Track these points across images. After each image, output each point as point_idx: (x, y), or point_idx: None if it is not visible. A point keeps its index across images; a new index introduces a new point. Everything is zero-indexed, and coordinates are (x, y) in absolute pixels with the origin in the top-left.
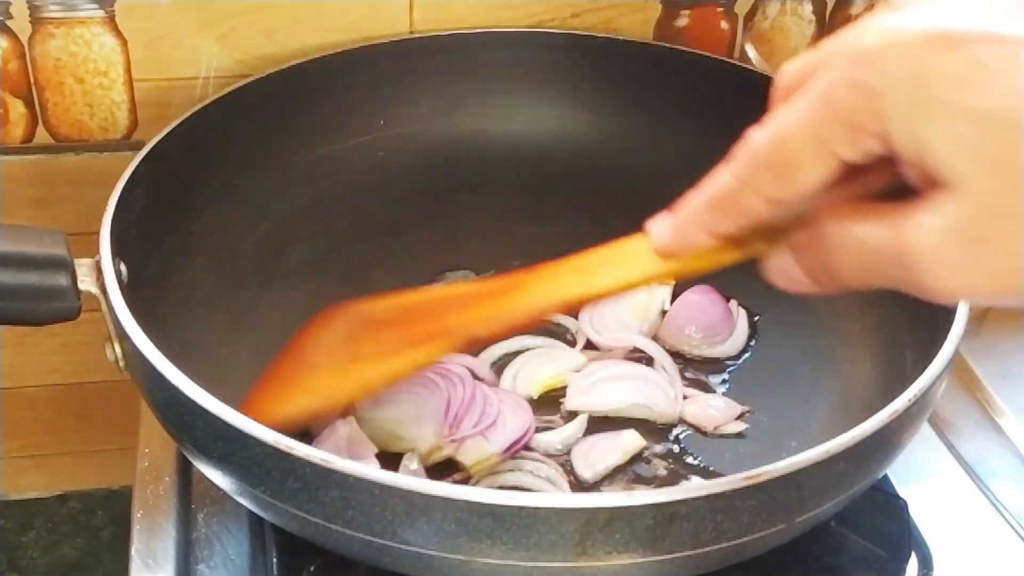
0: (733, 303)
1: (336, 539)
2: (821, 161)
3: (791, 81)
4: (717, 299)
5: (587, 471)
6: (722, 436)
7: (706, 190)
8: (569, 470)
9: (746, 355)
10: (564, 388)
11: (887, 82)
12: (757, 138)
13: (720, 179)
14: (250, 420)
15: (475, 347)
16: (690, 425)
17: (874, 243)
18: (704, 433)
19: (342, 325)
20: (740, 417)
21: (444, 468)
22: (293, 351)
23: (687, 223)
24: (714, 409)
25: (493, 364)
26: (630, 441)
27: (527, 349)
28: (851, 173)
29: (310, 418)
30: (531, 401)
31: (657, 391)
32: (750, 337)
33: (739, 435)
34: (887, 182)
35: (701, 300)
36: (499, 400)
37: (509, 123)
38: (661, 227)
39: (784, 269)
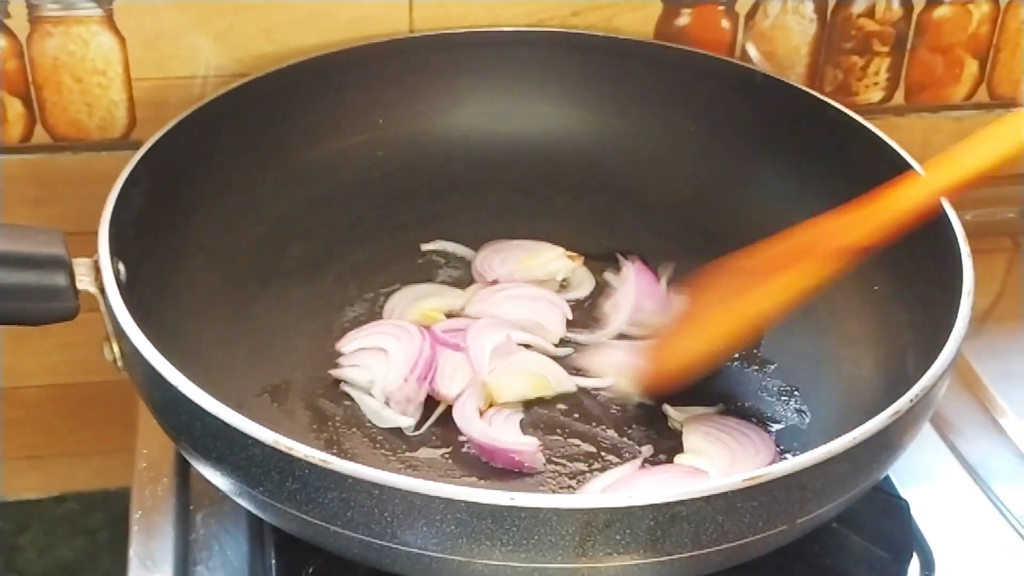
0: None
1: (335, 540)
2: None
3: None
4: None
5: None
6: None
7: None
8: None
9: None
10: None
11: None
12: None
13: None
14: (251, 422)
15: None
16: None
17: None
18: None
19: (722, 281)
20: None
21: None
22: (689, 313)
23: None
24: None
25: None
26: None
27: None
28: None
29: (720, 355)
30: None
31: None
32: None
33: None
34: None
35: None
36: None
37: (509, 123)
38: None
39: None
